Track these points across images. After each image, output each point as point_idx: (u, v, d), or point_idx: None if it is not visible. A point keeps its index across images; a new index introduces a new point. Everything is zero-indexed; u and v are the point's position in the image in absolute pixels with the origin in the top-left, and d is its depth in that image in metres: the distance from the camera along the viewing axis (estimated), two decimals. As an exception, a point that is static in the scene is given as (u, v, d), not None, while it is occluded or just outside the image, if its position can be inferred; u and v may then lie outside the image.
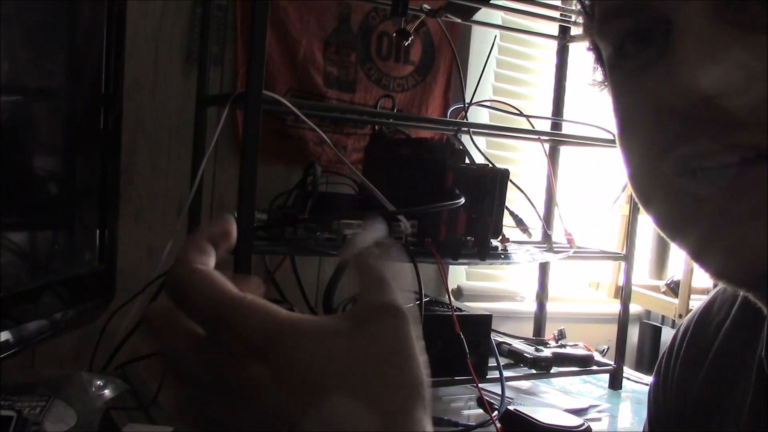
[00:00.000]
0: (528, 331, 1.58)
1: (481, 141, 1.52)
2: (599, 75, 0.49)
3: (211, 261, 0.38)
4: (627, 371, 1.46)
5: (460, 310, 1.21)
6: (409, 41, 1.26)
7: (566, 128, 1.52)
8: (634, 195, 0.45)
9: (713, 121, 0.36)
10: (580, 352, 1.37)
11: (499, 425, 1.03)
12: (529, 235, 1.31)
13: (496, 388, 1.16)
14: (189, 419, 0.36)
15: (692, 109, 0.36)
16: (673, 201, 0.41)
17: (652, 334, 1.98)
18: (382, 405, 0.34)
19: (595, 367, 1.37)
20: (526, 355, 1.27)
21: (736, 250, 0.38)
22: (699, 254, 0.41)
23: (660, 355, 0.64)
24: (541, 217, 1.43)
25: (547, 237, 1.43)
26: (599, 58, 0.48)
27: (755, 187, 0.36)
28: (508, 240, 1.23)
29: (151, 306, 0.38)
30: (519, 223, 1.30)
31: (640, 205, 0.44)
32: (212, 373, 0.34)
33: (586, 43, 0.49)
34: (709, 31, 0.36)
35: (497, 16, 1.62)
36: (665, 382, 0.61)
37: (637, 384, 1.48)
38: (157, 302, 0.38)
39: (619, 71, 0.44)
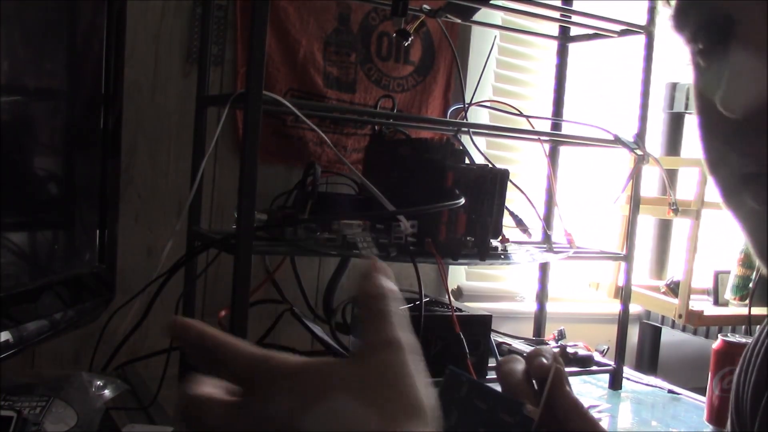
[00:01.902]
0: (528, 331, 1.58)
1: (481, 141, 1.52)
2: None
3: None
4: (627, 371, 1.46)
5: (460, 310, 1.21)
6: (409, 41, 1.26)
7: (566, 128, 1.52)
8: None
9: (762, 129, 0.36)
10: (580, 352, 1.37)
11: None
12: (529, 235, 1.31)
13: (496, 388, 1.16)
14: None
15: (745, 115, 0.36)
16: (735, 204, 0.41)
17: (652, 334, 1.97)
18: (383, 414, 0.34)
19: (595, 367, 1.37)
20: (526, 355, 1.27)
21: None
22: (760, 257, 0.41)
23: (747, 345, 0.64)
24: (541, 217, 1.44)
25: (547, 237, 1.43)
26: None
27: None
28: (508, 240, 1.23)
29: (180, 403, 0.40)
30: (519, 223, 1.30)
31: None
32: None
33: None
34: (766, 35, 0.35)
35: (497, 17, 1.62)
36: (747, 373, 0.61)
37: (637, 384, 1.48)
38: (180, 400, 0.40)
39: (696, 68, 0.44)
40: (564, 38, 1.53)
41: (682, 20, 0.43)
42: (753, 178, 0.38)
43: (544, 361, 0.54)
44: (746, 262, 1.80)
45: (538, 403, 0.53)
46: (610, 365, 1.39)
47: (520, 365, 0.55)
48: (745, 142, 0.37)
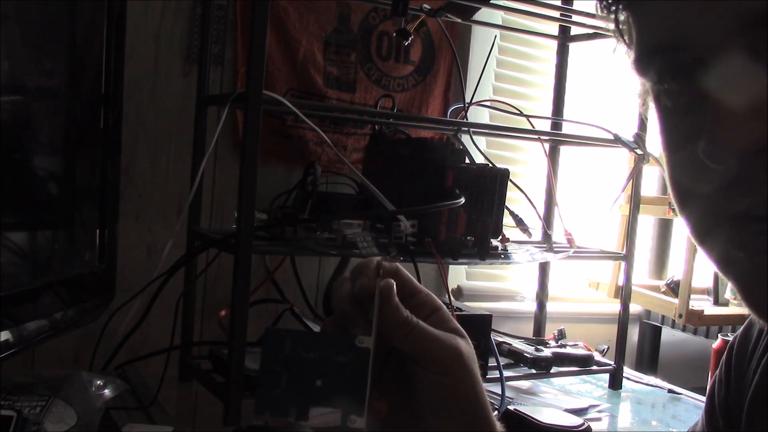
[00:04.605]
0: (528, 331, 1.58)
1: (481, 141, 1.52)
2: (644, 87, 0.47)
3: None
4: (627, 371, 1.46)
5: (460, 309, 1.21)
6: (409, 41, 1.26)
7: (566, 128, 1.52)
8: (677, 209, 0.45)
9: (748, 177, 0.35)
10: (580, 352, 1.37)
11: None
12: (529, 235, 1.31)
13: (496, 388, 1.16)
14: None
15: (726, 164, 0.36)
16: (709, 244, 0.41)
17: (652, 334, 1.97)
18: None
19: (595, 367, 1.37)
20: (526, 355, 1.27)
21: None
22: (740, 292, 0.41)
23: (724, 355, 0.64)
24: (541, 217, 1.43)
25: (547, 237, 1.43)
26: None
27: None
28: (508, 240, 1.23)
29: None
30: (519, 223, 1.30)
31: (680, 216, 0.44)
32: None
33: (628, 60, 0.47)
34: (747, 78, 0.35)
35: (497, 16, 1.62)
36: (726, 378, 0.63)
37: (637, 384, 1.48)
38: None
39: (662, 107, 0.43)
40: (564, 38, 1.53)
41: (646, 63, 0.41)
42: (729, 220, 0.38)
43: (366, 280, 0.50)
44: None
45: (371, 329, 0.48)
46: (610, 365, 1.39)
47: (347, 288, 0.50)
48: (733, 185, 0.36)
